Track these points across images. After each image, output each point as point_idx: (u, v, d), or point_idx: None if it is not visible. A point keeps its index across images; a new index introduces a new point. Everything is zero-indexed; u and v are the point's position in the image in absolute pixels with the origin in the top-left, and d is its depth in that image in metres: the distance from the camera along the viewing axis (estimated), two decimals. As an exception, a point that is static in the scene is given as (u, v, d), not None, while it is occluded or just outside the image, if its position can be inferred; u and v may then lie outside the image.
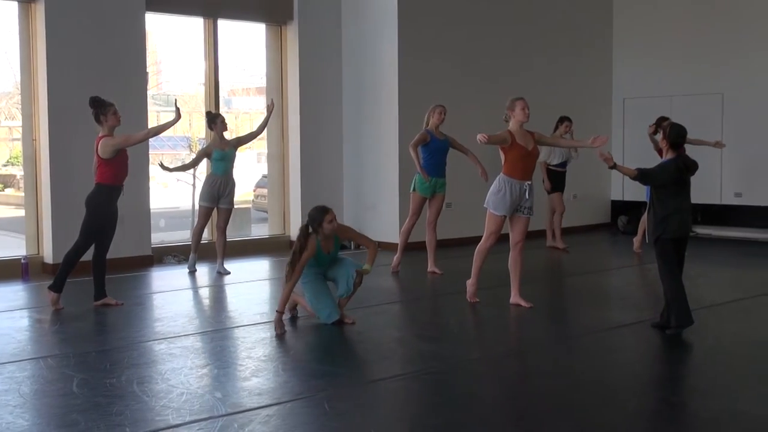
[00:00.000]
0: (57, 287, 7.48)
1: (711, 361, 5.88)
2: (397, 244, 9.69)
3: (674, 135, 6.37)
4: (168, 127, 7.94)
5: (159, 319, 7.27)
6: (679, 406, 4.93)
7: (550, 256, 11.06)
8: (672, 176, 6.31)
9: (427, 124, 9.18)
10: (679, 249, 6.41)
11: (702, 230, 12.64)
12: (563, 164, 11.43)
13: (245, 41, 12.51)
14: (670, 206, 6.31)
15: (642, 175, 6.40)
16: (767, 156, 12.66)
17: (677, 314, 6.30)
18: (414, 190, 9.28)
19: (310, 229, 6.68)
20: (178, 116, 7.75)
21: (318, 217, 6.65)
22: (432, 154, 9.14)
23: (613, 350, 6.24)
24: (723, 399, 4.91)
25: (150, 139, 9.31)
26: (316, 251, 6.66)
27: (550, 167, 11.37)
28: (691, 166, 6.45)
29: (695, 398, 5.08)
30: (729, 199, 12.96)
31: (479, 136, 6.92)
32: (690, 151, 9.72)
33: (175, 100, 8.03)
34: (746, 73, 12.77)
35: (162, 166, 9.42)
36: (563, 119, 11.28)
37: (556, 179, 11.43)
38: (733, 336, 6.53)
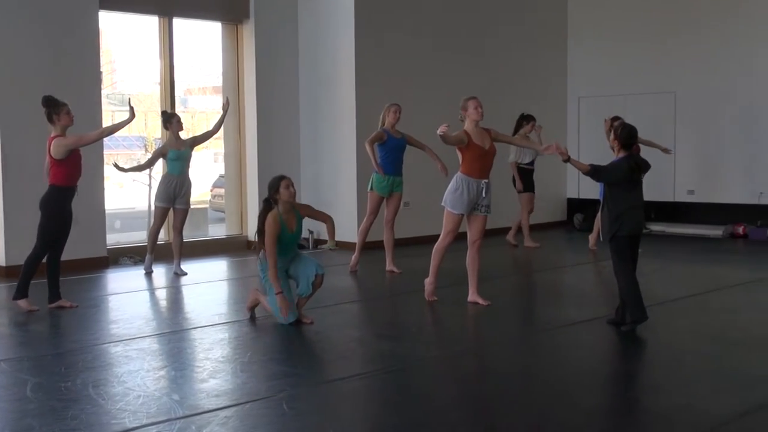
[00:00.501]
0: (21, 293, 7.41)
1: (665, 356, 5.97)
2: (354, 243, 9.70)
3: (625, 135, 6.47)
4: (122, 127, 7.89)
5: (115, 321, 7.20)
6: (633, 401, 5.01)
7: (508, 253, 11.15)
8: (624, 175, 6.38)
9: (383, 124, 9.21)
10: (633, 246, 6.50)
11: (655, 227, 12.82)
12: (533, 163, 11.49)
13: (201, 40, 12.43)
14: (623, 204, 6.38)
15: (595, 171, 6.48)
16: (719, 154, 12.90)
17: (632, 310, 6.40)
18: (371, 189, 9.31)
19: (271, 203, 6.69)
20: (132, 115, 7.69)
21: (275, 183, 6.67)
22: (389, 153, 9.17)
23: (569, 347, 6.31)
24: (676, 394, 4.99)
25: (104, 139, 9.23)
26: (280, 228, 6.62)
27: (522, 166, 11.43)
28: (643, 166, 6.56)
29: (649, 394, 5.16)
30: (682, 197, 13.17)
31: (440, 129, 6.91)
32: (644, 150, 9.90)
33: (129, 99, 7.96)
34: (698, 72, 12.98)
35: (116, 166, 9.33)
36: (528, 118, 11.38)
37: (528, 178, 11.50)
38: (687, 331, 6.63)
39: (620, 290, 6.51)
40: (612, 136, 6.57)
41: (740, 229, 12.40)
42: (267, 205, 6.72)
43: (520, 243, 11.56)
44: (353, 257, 9.52)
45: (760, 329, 6.70)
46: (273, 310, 6.80)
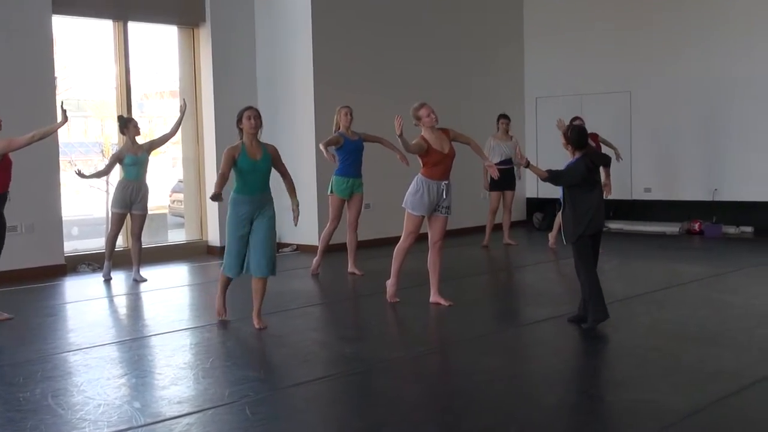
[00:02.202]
0: None
1: (626, 353, 6.03)
2: (315, 246, 9.65)
3: (575, 137, 6.53)
4: (53, 131, 7.83)
5: (73, 330, 7.10)
6: (596, 398, 5.04)
7: (469, 254, 11.17)
8: (582, 175, 6.43)
9: (338, 127, 9.16)
10: (595, 244, 6.57)
11: (614, 225, 12.96)
12: (506, 162, 11.41)
13: (157, 44, 12.30)
14: (585, 204, 6.44)
15: (553, 176, 6.53)
16: (674, 152, 13.08)
17: (594, 309, 6.46)
18: (331, 192, 9.25)
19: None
20: (65, 119, 7.58)
21: (240, 113, 6.65)
22: (347, 156, 9.12)
23: (531, 345, 6.35)
24: (638, 390, 5.04)
25: (60, 146, 9.10)
26: (240, 153, 6.55)
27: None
28: (599, 161, 6.68)
29: (612, 390, 5.20)
30: (639, 195, 13.34)
31: (397, 127, 6.91)
32: (603, 149, 10.00)
33: (62, 102, 7.84)
34: (652, 71, 13.15)
35: (79, 173, 9.18)
36: (500, 117, 11.58)
37: (501, 177, 11.54)
38: (646, 328, 6.70)
39: (582, 289, 6.56)
40: (563, 140, 6.62)
41: (696, 226, 12.58)
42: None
43: (484, 244, 11.60)
44: (315, 260, 9.48)
45: (716, 325, 6.80)
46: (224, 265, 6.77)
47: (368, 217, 11.02)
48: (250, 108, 6.70)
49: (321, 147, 9.00)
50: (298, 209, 6.91)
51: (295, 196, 6.92)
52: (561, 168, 6.60)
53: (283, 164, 6.90)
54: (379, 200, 11.40)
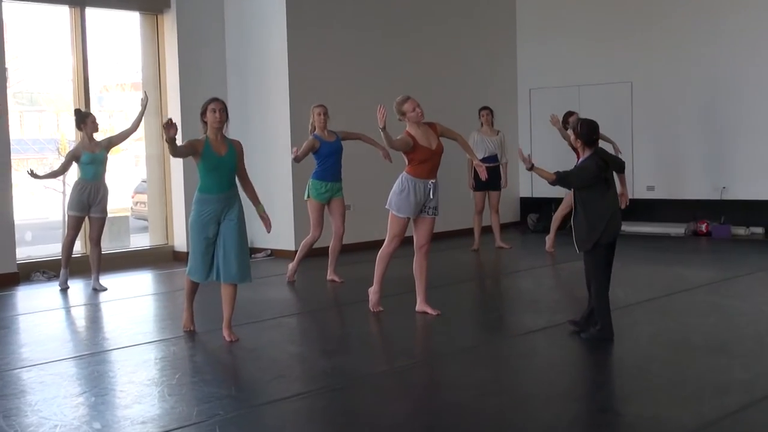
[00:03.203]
0: None
1: (627, 365, 6.05)
2: (291, 252, 9.62)
3: (586, 132, 6.38)
4: None
5: (27, 344, 7.07)
6: (597, 413, 5.05)
7: (459, 258, 11.20)
8: (594, 175, 6.31)
9: (313, 129, 9.12)
10: (611, 252, 6.47)
11: (615, 226, 12.99)
12: (491, 159, 11.38)
13: (117, 32, 12.26)
14: (600, 209, 6.33)
15: (561, 178, 6.41)
16: (679, 147, 13.13)
17: (600, 327, 6.43)
18: (308, 197, 9.18)
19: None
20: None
21: (204, 105, 6.65)
22: (325, 160, 9.06)
23: (526, 356, 6.36)
24: (640, 404, 5.05)
25: (12, 143, 9.05)
26: (204, 147, 6.54)
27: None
28: (610, 161, 6.52)
29: (614, 404, 5.22)
30: (641, 193, 13.37)
31: (379, 119, 6.90)
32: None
33: None
34: (656, 60, 13.20)
35: (32, 174, 9.13)
36: (481, 108, 11.61)
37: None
38: (650, 337, 6.73)
39: (592, 298, 6.49)
40: (572, 135, 6.49)
41: (703, 227, 12.65)
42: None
43: (475, 247, 11.63)
44: (291, 266, 9.47)
45: (724, 333, 6.84)
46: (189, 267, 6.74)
47: (348, 220, 10.95)
48: (215, 100, 6.68)
49: (293, 156, 8.95)
50: (266, 214, 6.90)
51: (259, 202, 6.92)
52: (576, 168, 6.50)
53: (244, 165, 6.86)
54: (360, 201, 11.40)
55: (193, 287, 6.95)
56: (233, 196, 6.72)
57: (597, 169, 6.32)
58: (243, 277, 6.71)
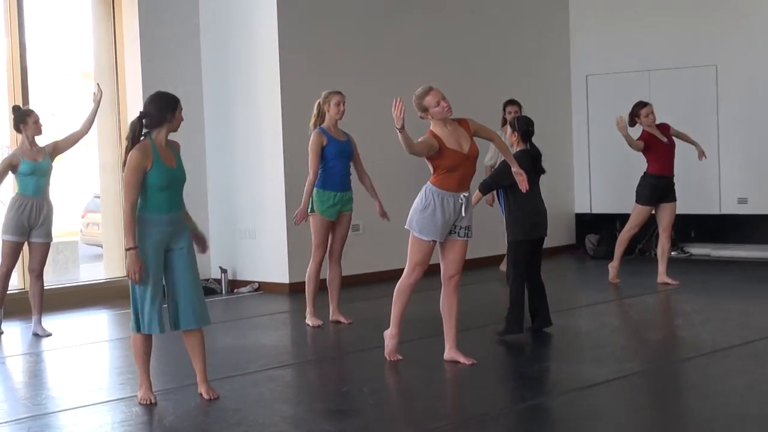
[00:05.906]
0: None
1: (716, 425, 6.00)
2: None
3: (524, 125, 8.32)
4: None
5: (-50, 405, 7.09)
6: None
7: (497, 292, 11.16)
8: (527, 167, 7.75)
9: (322, 120, 9.09)
10: (537, 249, 8.41)
11: (697, 250, 12.98)
12: None
13: (63, 12, 12.34)
14: (528, 204, 8.16)
15: (486, 186, 8.43)
16: (778, 148, 13.09)
17: (508, 320, 8.30)
18: (312, 210, 9.11)
19: (144, 126, 6.65)
20: None
21: (172, 102, 6.75)
22: (333, 161, 9.00)
23: (586, 418, 6.32)
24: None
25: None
26: (152, 160, 6.56)
27: None
28: (539, 156, 8.36)
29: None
30: (731, 208, 13.29)
31: (396, 118, 6.87)
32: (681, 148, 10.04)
33: None
34: (747, 38, 13.16)
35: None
36: (507, 103, 11.52)
37: None
38: (743, 391, 6.68)
39: (510, 291, 8.35)
40: (509, 130, 8.36)
41: (810, 250, 12.64)
42: (138, 125, 6.65)
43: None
44: (308, 311, 9.28)
45: (841, 385, 6.80)
46: (133, 311, 6.66)
47: (359, 244, 11.01)
48: (179, 100, 6.80)
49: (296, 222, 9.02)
50: (202, 233, 6.97)
51: (190, 218, 6.96)
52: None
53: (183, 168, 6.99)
54: (372, 220, 11.35)
55: (147, 346, 6.73)
56: (182, 218, 6.80)
57: (530, 161, 8.15)
58: (205, 318, 6.72)
